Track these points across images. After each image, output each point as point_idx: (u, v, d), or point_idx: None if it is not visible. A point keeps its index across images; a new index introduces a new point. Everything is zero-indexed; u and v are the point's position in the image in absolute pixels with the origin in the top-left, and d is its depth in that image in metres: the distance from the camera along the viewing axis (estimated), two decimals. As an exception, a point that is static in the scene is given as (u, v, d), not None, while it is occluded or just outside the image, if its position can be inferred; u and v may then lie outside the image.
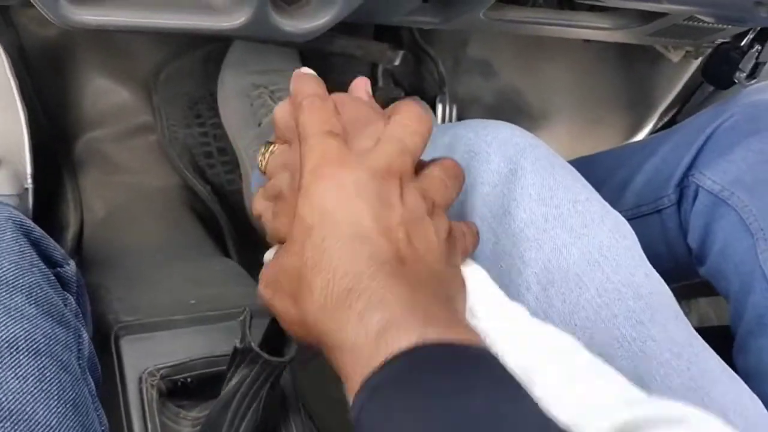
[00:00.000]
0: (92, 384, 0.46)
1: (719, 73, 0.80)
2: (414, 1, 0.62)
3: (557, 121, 1.13)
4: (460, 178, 0.45)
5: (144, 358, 0.62)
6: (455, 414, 0.29)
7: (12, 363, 0.39)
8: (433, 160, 0.45)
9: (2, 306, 0.40)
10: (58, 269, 0.47)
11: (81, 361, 0.45)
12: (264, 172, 0.47)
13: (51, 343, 0.42)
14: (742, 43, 0.79)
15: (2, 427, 0.37)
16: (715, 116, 0.70)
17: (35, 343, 0.40)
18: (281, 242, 0.43)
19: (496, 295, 0.44)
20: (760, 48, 0.78)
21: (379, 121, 0.44)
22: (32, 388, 0.39)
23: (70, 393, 0.41)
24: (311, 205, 0.39)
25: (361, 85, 0.49)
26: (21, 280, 0.42)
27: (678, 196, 0.71)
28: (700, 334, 0.52)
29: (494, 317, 0.42)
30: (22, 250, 0.43)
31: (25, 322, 0.40)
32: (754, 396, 0.50)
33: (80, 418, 0.41)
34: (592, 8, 0.73)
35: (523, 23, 0.70)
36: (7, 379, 0.38)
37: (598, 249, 0.51)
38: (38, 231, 0.46)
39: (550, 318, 0.49)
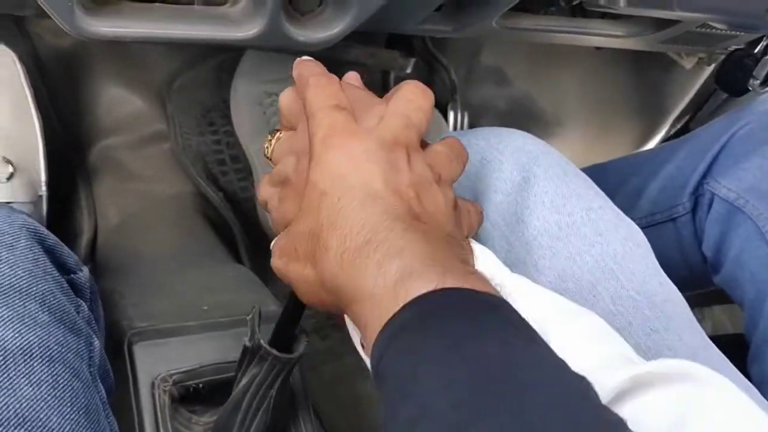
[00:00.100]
0: (103, 392, 0.46)
1: (733, 81, 0.80)
2: (427, 10, 0.62)
3: (570, 128, 1.13)
4: (464, 156, 0.46)
5: (157, 363, 0.62)
6: (473, 360, 0.30)
7: (26, 370, 0.39)
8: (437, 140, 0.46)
9: (16, 313, 0.40)
10: (72, 276, 0.48)
11: (92, 369, 0.45)
12: (270, 159, 0.48)
13: (63, 350, 0.42)
14: (756, 50, 0.79)
15: None
16: (730, 124, 0.70)
17: (48, 350, 0.41)
18: (286, 227, 0.43)
19: (501, 267, 0.44)
20: (773, 55, 0.77)
21: (380, 103, 0.45)
22: (46, 395, 0.39)
23: (83, 400, 0.41)
24: (323, 172, 0.40)
25: (352, 77, 0.50)
26: (34, 288, 0.42)
27: (693, 204, 0.71)
28: (713, 342, 0.52)
29: (500, 280, 0.42)
30: (35, 257, 0.44)
31: (39, 329, 0.41)
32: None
33: (92, 425, 0.41)
34: (604, 16, 0.73)
35: (536, 31, 0.70)
36: (21, 386, 0.38)
37: (612, 257, 0.51)
38: (52, 238, 0.46)
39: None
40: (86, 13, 0.49)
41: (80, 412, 0.41)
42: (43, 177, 0.75)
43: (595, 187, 0.55)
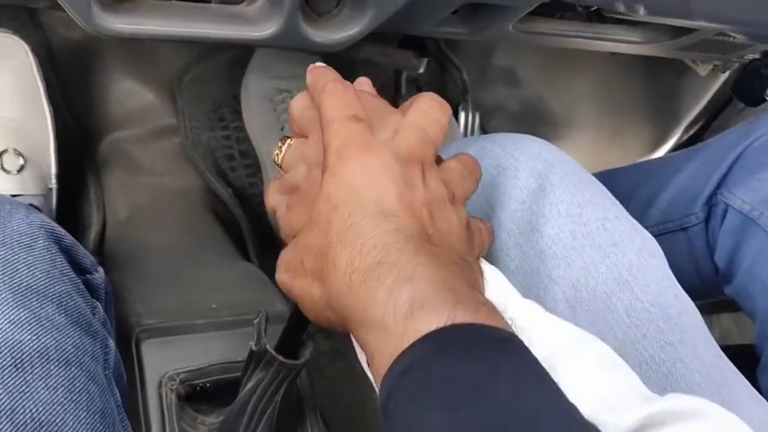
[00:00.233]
0: (117, 395, 0.46)
1: (750, 90, 0.79)
2: (443, 12, 0.61)
3: (582, 132, 1.13)
4: (477, 173, 0.45)
5: (164, 361, 0.62)
6: (481, 408, 0.29)
7: (43, 373, 0.39)
8: (451, 157, 0.45)
9: (34, 315, 0.40)
10: (88, 276, 0.47)
11: (107, 371, 0.45)
12: (280, 166, 0.47)
13: (80, 353, 0.42)
14: (773, 60, 0.79)
15: None
16: (745, 135, 0.69)
17: (65, 353, 0.40)
18: (294, 236, 0.43)
19: (511, 291, 0.44)
20: (791, 65, 0.77)
21: (396, 114, 0.44)
22: (62, 399, 0.39)
23: (98, 404, 0.41)
24: (337, 184, 0.39)
25: (364, 83, 0.49)
26: (52, 289, 0.42)
27: (706, 215, 0.70)
28: (723, 351, 0.51)
29: (511, 311, 0.42)
30: (53, 258, 0.43)
31: (56, 331, 0.40)
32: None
33: (108, 430, 0.41)
34: (620, 21, 0.73)
35: (552, 36, 0.70)
36: (38, 389, 0.38)
37: (627, 268, 0.50)
38: (69, 238, 0.46)
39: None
40: (103, 10, 0.49)
41: (96, 416, 0.40)
42: (53, 170, 0.75)
43: (611, 196, 0.55)
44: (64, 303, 0.42)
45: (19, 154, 0.71)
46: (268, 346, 0.51)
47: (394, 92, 1.02)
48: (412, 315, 0.33)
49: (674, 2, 0.58)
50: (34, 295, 0.41)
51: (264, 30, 0.54)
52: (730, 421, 0.35)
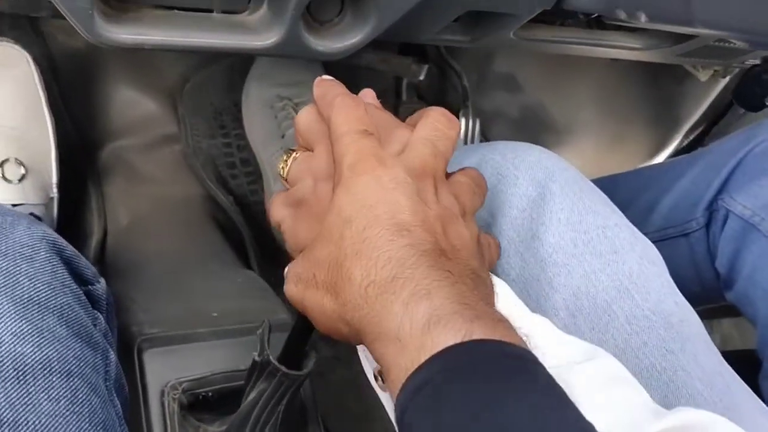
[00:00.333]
0: (119, 406, 0.46)
1: (750, 96, 0.79)
2: (444, 20, 0.61)
3: (582, 137, 1.13)
4: (484, 187, 0.46)
5: (167, 371, 0.62)
6: (500, 422, 0.29)
7: (45, 385, 0.39)
8: (457, 170, 0.45)
9: (35, 327, 0.40)
10: (89, 287, 0.48)
11: (108, 383, 0.45)
12: (285, 180, 0.47)
13: (81, 364, 0.42)
14: (774, 65, 0.79)
15: None
16: (746, 141, 0.69)
17: (67, 364, 0.40)
18: (300, 250, 0.43)
19: (519, 306, 0.44)
20: (791, 71, 0.77)
21: (403, 128, 0.44)
22: (64, 411, 0.39)
23: (101, 415, 0.41)
24: (350, 198, 0.39)
25: (369, 95, 0.49)
26: (53, 301, 0.42)
27: (707, 220, 0.70)
28: (724, 357, 0.51)
29: (526, 327, 0.42)
30: (54, 270, 0.43)
31: (57, 343, 0.40)
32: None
33: None
34: (621, 28, 0.73)
35: (553, 42, 0.70)
36: (41, 401, 0.38)
37: (627, 276, 0.50)
38: (70, 249, 0.46)
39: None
40: (106, 21, 0.49)
41: (98, 428, 0.40)
42: (54, 179, 0.75)
43: (611, 204, 0.55)
44: (66, 315, 0.42)
45: (21, 164, 0.71)
46: (270, 357, 0.51)
47: (394, 99, 1.02)
48: (429, 329, 0.33)
49: (675, 9, 0.58)
50: (36, 306, 0.41)
51: (266, 39, 0.54)
52: None
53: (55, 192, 0.75)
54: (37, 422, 0.37)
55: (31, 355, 0.39)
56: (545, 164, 0.55)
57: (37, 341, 0.40)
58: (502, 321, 0.35)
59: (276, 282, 0.83)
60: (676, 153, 1.15)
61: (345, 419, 0.87)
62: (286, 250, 0.46)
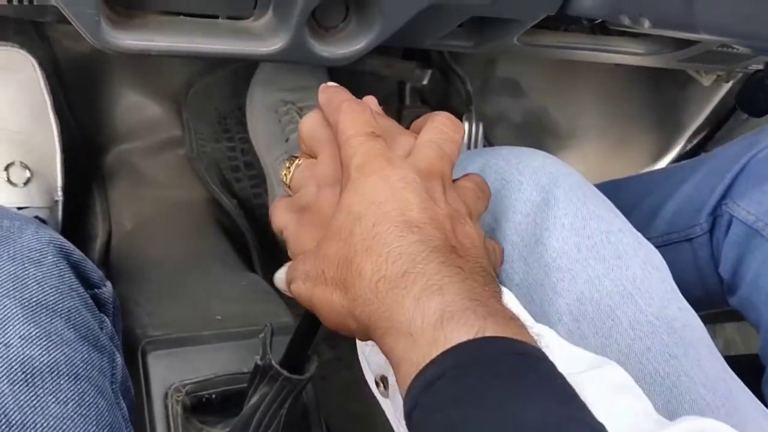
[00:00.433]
0: (125, 408, 0.46)
1: (754, 101, 0.79)
2: (448, 26, 0.62)
3: (585, 142, 1.13)
4: (487, 192, 0.46)
5: (170, 373, 0.63)
6: (513, 419, 0.29)
7: (53, 388, 0.39)
8: (461, 176, 0.46)
9: (43, 331, 0.40)
10: (96, 291, 0.48)
11: (114, 386, 0.46)
12: (289, 186, 0.47)
13: (89, 368, 0.42)
14: (777, 71, 0.79)
15: None
16: (750, 146, 0.69)
17: (75, 367, 0.41)
18: (302, 255, 0.43)
19: (524, 316, 0.44)
20: (795, 76, 0.77)
21: (406, 135, 0.45)
22: (72, 413, 0.39)
23: (107, 418, 0.41)
24: (359, 197, 0.39)
25: (372, 101, 0.50)
26: (61, 305, 0.42)
27: (710, 225, 0.70)
28: (727, 362, 0.51)
29: (537, 328, 0.42)
30: (62, 273, 0.44)
31: (65, 346, 0.41)
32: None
33: None
34: (624, 33, 0.73)
35: (557, 48, 0.70)
36: (48, 404, 0.38)
37: (631, 281, 0.50)
38: (78, 253, 0.47)
39: (582, 351, 0.48)
40: (112, 27, 0.49)
41: (105, 430, 0.41)
42: (59, 182, 0.75)
43: (615, 209, 0.55)
44: (73, 318, 0.43)
45: (26, 167, 0.71)
46: (273, 361, 0.52)
47: (398, 103, 1.03)
48: (441, 325, 0.33)
49: (679, 15, 0.58)
50: (44, 310, 0.41)
51: (271, 45, 0.54)
52: None
53: (60, 195, 0.75)
54: (45, 424, 0.38)
55: (39, 358, 0.39)
56: (549, 169, 0.55)
57: (45, 344, 0.40)
58: (514, 319, 0.35)
59: (280, 285, 0.84)
60: (680, 158, 1.15)
61: (348, 421, 0.87)
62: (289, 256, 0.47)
